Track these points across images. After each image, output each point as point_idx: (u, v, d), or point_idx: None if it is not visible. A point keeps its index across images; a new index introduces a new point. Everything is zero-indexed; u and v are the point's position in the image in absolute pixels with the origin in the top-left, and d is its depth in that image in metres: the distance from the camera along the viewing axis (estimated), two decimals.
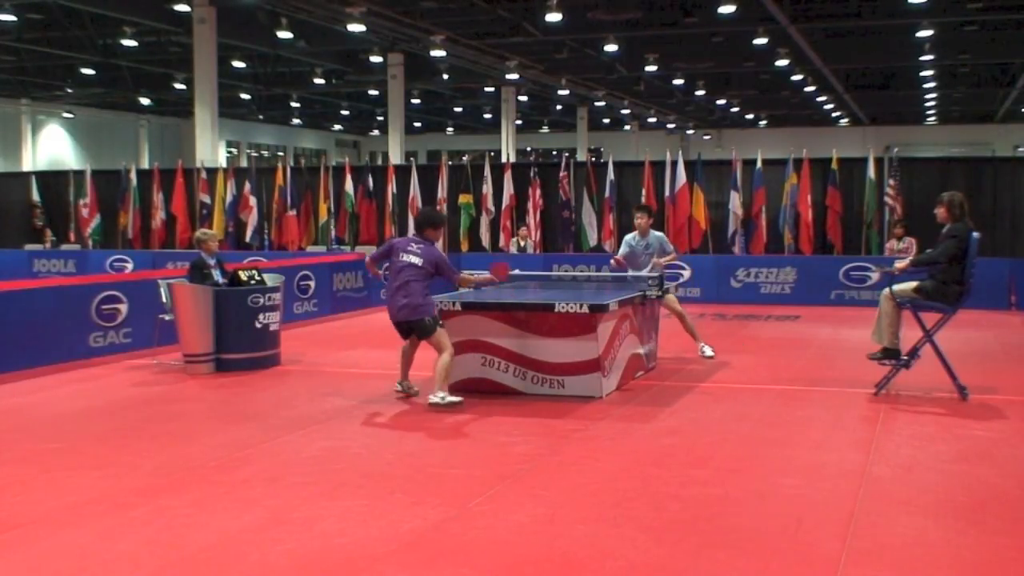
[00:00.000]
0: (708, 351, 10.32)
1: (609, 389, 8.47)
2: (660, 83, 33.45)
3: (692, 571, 4.52)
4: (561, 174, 18.84)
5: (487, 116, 43.51)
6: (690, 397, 8.53)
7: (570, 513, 5.30)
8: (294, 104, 39.05)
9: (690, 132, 47.08)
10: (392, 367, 8.75)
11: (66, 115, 36.87)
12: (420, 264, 8.07)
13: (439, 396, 7.87)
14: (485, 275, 8.70)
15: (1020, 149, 41.16)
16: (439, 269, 8.20)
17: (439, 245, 8.82)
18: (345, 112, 42.80)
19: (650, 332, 9.70)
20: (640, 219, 10.50)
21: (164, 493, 5.70)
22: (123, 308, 11.07)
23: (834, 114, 42.99)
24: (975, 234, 8.25)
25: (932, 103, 40.02)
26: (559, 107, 41.80)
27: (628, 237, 10.66)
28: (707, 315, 14.28)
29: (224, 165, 24.96)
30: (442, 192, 19.50)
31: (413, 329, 8.19)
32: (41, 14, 23.76)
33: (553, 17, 20.57)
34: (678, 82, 32.57)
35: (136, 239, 21.21)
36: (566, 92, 34.73)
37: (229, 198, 20.45)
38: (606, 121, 45.90)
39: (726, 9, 20.35)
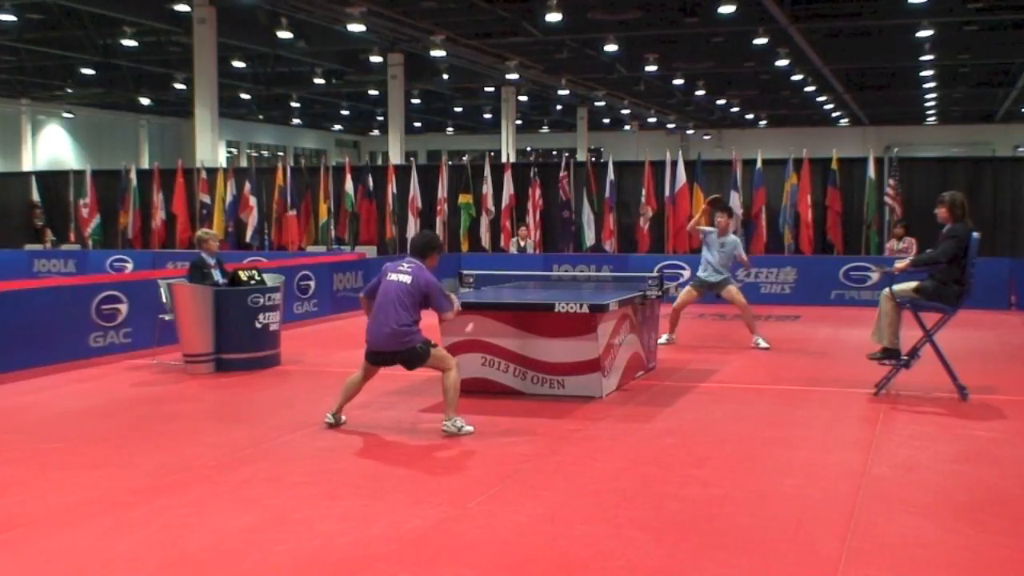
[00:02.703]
0: (762, 343, 11.20)
1: (609, 389, 8.47)
2: (660, 83, 33.44)
3: (692, 571, 4.52)
4: (561, 174, 18.84)
5: (487, 116, 43.49)
6: (690, 397, 8.53)
7: (570, 513, 5.30)
8: (294, 104, 39.04)
9: (690, 132, 47.06)
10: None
11: (66, 115, 36.85)
12: (408, 283, 7.08)
13: (454, 424, 7.11)
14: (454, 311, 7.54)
15: (1020, 149, 41.13)
16: (428, 297, 7.16)
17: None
18: (345, 112, 42.78)
19: (650, 332, 9.70)
20: (720, 219, 11.17)
21: (164, 493, 5.70)
22: (123, 308, 11.06)
23: (834, 114, 42.97)
24: (975, 234, 8.25)
25: (932, 103, 40.00)
26: (559, 107, 41.78)
27: (709, 229, 11.32)
28: (707, 315, 14.29)
29: (224, 165, 24.97)
30: (442, 192, 19.51)
31: (401, 360, 7.26)
32: (41, 14, 23.74)
33: (553, 17, 20.57)
34: (678, 82, 32.56)
35: (136, 239, 21.22)
36: (566, 92, 34.73)
37: (229, 198, 20.47)
38: (606, 121, 45.86)
39: (726, 9, 20.34)
